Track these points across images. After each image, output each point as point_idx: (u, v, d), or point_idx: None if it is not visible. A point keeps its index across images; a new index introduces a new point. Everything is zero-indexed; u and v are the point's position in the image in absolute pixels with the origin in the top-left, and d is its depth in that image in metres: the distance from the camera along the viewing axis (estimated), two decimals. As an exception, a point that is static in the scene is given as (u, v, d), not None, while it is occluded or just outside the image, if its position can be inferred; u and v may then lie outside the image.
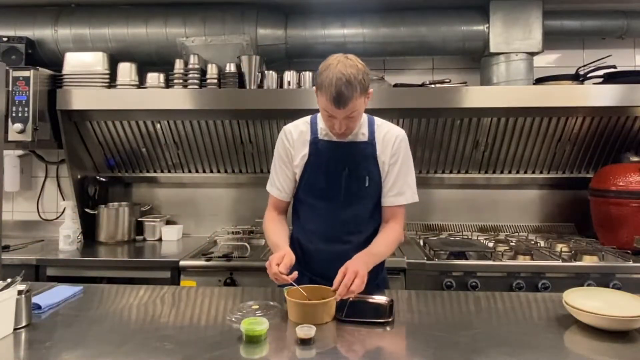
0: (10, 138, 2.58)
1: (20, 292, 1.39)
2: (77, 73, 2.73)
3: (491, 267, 2.31)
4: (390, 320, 1.44)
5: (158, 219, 3.00)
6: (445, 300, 1.72)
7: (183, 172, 3.09)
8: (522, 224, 3.07)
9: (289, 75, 2.70)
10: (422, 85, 2.74)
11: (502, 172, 2.98)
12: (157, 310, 1.59)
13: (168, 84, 2.74)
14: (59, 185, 3.21)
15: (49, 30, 2.81)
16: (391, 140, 1.74)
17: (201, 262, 2.41)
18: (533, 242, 2.73)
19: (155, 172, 3.10)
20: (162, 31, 2.79)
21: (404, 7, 2.81)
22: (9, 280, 1.39)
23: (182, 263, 2.40)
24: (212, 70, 2.71)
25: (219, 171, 3.07)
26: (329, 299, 1.44)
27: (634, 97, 2.52)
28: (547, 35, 2.71)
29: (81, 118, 2.79)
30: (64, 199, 3.13)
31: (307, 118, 1.81)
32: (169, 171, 3.09)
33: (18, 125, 2.56)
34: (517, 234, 3.00)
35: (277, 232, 1.74)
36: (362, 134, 1.73)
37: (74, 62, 2.76)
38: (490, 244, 2.65)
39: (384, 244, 1.71)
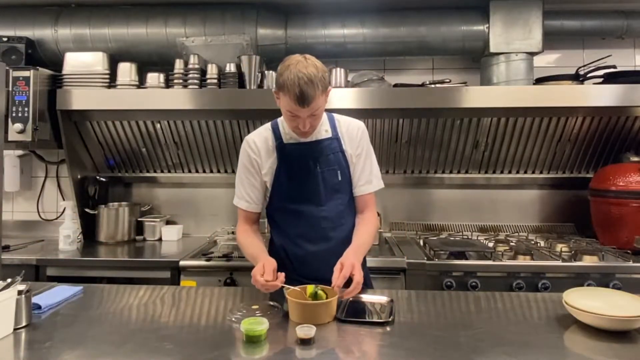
0: (10, 138, 2.58)
1: (20, 292, 1.39)
2: (77, 73, 2.73)
3: (491, 267, 2.31)
4: (390, 320, 1.44)
5: (158, 219, 3.00)
6: (446, 300, 1.72)
7: (183, 172, 3.09)
8: (522, 224, 3.07)
9: (289, 76, 2.69)
10: (422, 85, 2.74)
11: (502, 172, 2.98)
12: (157, 310, 1.59)
13: (168, 84, 2.74)
14: (59, 185, 3.21)
15: (49, 30, 2.81)
16: (354, 133, 1.79)
17: (201, 262, 2.41)
18: (533, 242, 2.73)
19: (155, 172, 3.10)
20: (162, 31, 2.79)
21: (404, 7, 2.82)
22: (9, 280, 1.39)
23: (182, 263, 2.40)
24: (212, 70, 2.71)
25: (219, 171, 3.07)
26: (329, 299, 1.44)
27: (634, 97, 2.52)
28: (547, 35, 2.71)
29: (81, 118, 2.79)
30: (64, 199, 3.14)
31: (267, 125, 1.83)
32: (169, 171, 3.09)
33: (18, 125, 2.56)
34: (517, 234, 3.00)
35: (252, 244, 1.76)
36: (326, 131, 1.77)
37: (74, 62, 2.76)
38: (490, 244, 2.65)
39: (366, 234, 1.76)
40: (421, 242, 2.75)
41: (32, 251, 2.67)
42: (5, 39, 2.75)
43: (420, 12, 2.80)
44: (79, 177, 2.91)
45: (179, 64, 2.74)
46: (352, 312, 1.50)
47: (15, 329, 1.37)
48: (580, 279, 2.26)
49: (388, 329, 1.41)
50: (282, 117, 1.77)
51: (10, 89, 2.57)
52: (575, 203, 3.00)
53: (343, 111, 2.55)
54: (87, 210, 2.89)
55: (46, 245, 2.83)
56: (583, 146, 2.82)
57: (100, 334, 1.37)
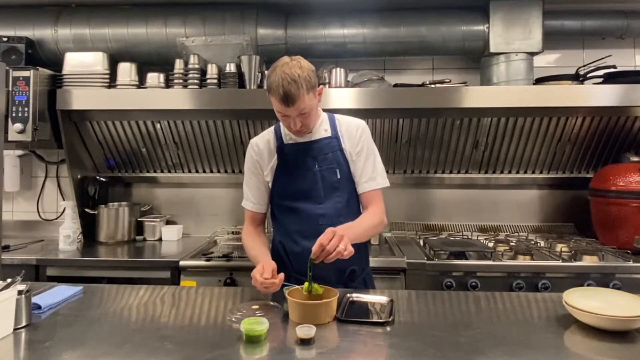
0: (10, 138, 2.58)
1: (20, 292, 1.39)
2: (77, 73, 2.73)
3: (491, 267, 2.31)
4: (390, 320, 1.44)
5: (158, 219, 3.00)
6: (445, 300, 1.72)
7: (183, 172, 3.09)
8: (522, 224, 3.07)
9: (289, 75, 2.69)
10: (422, 85, 2.74)
11: (502, 172, 2.98)
12: (157, 310, 1.59)
13: (168, 84, 2.74)
14: (59, 185, 3.21)
15: (49, 30, 2.81)
16: (353, 131, 1.81)
17: (201, 262, 2.41)
18: (533, 242, 2.73)
19: (155, 172, 3.10)
20: (162, 31, 2.79)
21: (404, 7, 2.81)
22: (9, 280, 1.39)
23: (182, 263, 2.40)
24: (212, 70, 2.71)
25: (219, 171, 3.07)
26: (330, 299, 1.44)
27: (634, 97, 2.52)
28: (547, 35, 2.71)
29: (81, 118, 2.79)
30: (64, 199, 3.14)
31: (271, 128, 1.89)
32: (169, 171, 3.09)
33: (18, 125, 2.56)
34: (517, 234, 3.00)
35: (255, 246, 1.79)
36: (325, 130, 1.81)
37: (74, 62, 2.76)
38: (490, 244, 2.65)
39: (364, 220, 1.76)
40: (421, 242, 2.75)
41: (32, 251, 2.67)
42: (5, 39, 2.75)
43: (420, 12, 2.80)
44: (79, 177, 2.91)
45: (179, 64, 2.74)
46: (352, 312, 1.50)
47: (15, 329, 1.37)
48: (580, 279, 2.26)
49: (388, 329, 1.41)
50: None
51: (10, 89, 2.57)
52: (575, 203, 3.00)
53: (343, 111, 2.55)
54: (87, 210, 2.89)
55: (46, 245, 2.83)
56: (583, 146, 2.82)
57: (100, 334, 1.37)
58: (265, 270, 1.53)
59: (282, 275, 1.55)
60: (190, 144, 2.91)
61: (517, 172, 2.98)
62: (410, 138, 2.82)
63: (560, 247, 2.47)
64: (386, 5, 2.80)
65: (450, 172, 3.01)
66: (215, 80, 2.71)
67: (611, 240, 2.54)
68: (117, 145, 2.94)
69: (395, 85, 2.76)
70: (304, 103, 1.61)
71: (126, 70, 2.74)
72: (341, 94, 2.60)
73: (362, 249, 1.84)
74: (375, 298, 1.63)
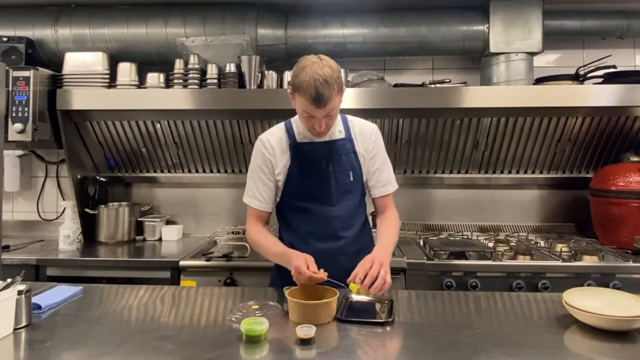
0: (10, 138, 2.58)
1: (20, 292, 1.39)
2: (77, 73, 2.73)
3: (491, 267, 2.31)
4: (390, 320, 1.44)
5: (158, 219, 3.00)
6: (445, 300, 1.72)
7: (183, 172, 3.09)
8: (522, 224, 3.07)
9: (289, 76, 2.69)
10: (422, 85, 2.74)
11: (502, 172, 2.98)
12: (157, 310, 1.59)
13: (168, 84, 2.74)
14: (59, 185, 3.21)
15: (49, 30, 2.81)
16: (367, 134, 1.81)
17: (201, 262, 2.41)
18: (533, 242, 2.72)
19: (155, 172, 3.10)
20: (162, 31, 2.79)
21: (404, 7, 2.81)
22: (9, 280, 1.39)
23: (182, 263, 2.40)
24: (212, 70, 2.71)
25: (219, 171, 3.07)
26: (330, 299, 1.44)
27: (634, 97, 2.52)
28: (547, 35, 2.71)
29: (81, 118, 2.79)
30: (64, 199, 3.14)
31: (281, 124, 1.84)
32: (169, 171, 3.09)
33: (18, 125, 2.56)
34: (517, 234, 3.00)
35: (274, 241, 1.76)
36: (339, 132, 1.79)
37: (74, 62, 2.76)
38: (490, 244, 2.65)
39: (391, 231, 1.78)
40: (421, 242, 2.75)
41: (32, 251, 2.67)
42: (5, 39, 2.74)
43: (420, 12, 2.80)
44: (79, 177, 2.91)
45: (179, 64, 2.74)
46: (352, 312, 1.50)
47: (15, 329, 1.37)
48: (580, 279, 2.26)
49: (388, 329, 1.41)
50: (295, 117, 1.79)
51: (10, 89, 2.57)
52: (575, 203, 3.00)
53: (343, 111, 2.55)
54: (87, 210, 2.89)
55: (46, 245, 2.83)
56: (583, 146, 2.82)
57: (100, 334, 1.37)
58: (309, 264, 1.51)
59: (323, 271, 1.52)
60: (190, 144, 2.91)
61: (517, 172, 2.98)
62: (410, 138, 2.82)
63: (560, 247, 2.47)
64: (386, 5, 2.80)
65: (450, 172, 3.01)
66: (215, 80, 2.71)
67: (611, 240, 2.54)
68: (117, 145, 2.94)
69: (395, 85, 2.76)
70: (334, 104, 1.59)
71: (126, 70, 2.74)
72: (341, 94, 2.60)
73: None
74: (375, 298, 1.62)
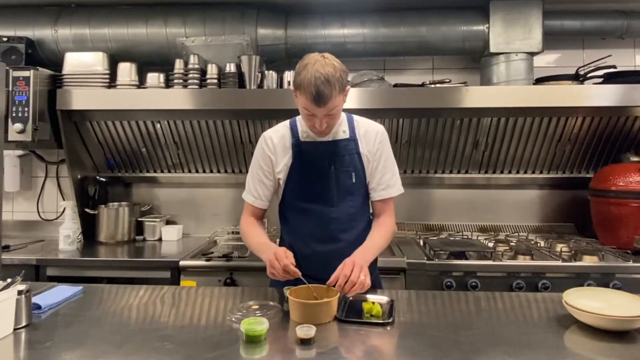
0: (10, 138, 2.58)
1: (20, 292, 1.39)
2: (77, 73, 2.73)
3: (491, 267, 2.31)
4: (390, 320, 1.44)
5: (158, 219, 3.00)
6: (445, 300, 1.72)
7: (183, 172, 3.09)
8: (522, 224, 3.07)
9: (289, 75, 2.69)
10: (422, 85, 2.74)
11: (502, 172, 2.98)
12: (157, 310, 1.59)
13: (168, 84, 2.74)
14: (59, 185, 3.21)
15: (49, 30, 2.81)
16: (372, 136, 1.78)
17: (201, 262, 2.41)
18: (533, 242, 2.72)
19: (155, 172, 3.10)
20: (162, 31, 2.79)
21: (404, 7, 2.81)
22: (9, 280, 1.39)
23: (182, 263, 2.40)
24: (212, 70, 2.71)
25: (219, 171, 3.07)
26: (330, 299, 1.44)
27: (634, 97, 2.52)
28: (547, 35, 2.71)
29: (81, 118, 2.79)
30: (64, 199, 3.14)
31: (286, 122, 1.82)
32: (169, 171, 3.09)
33: (18, 125, 2.56)
34: (517, 234, 2.99)
35: (260, 233, 1.76)
36: (343, 132, 1.77)
37: (74, 62, 2.76)
38: (490, 244, 2.65)
39: (378, 236, 1.75)
40: (421, 242, 2.75)
41: (32, 251, 2.67)
42: (5, 39, 2.74)
43: (420, 12, 2.80)
44: (79, 177, 2.91)
45: (179, 64, 2.74)
46: (352, 312, 1.50)
47: (15, 329, 1.37)
48: (580, 279, 2.26)
49: (388, 329, 1.41)
50: (300, 115, 1.77)
51: (10, 89, 2.57)
52: (575, 203, 3.00)
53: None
54: (87, 210, 2.89)
55: (46, 245, 2.83)
56: (583, 146, 2.82)
57: (100, 334, 1.37)
58: (287, 256, 1.51)
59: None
60: (190, 144, 2.91)
61: (517, 172, 2.98)
62: (410, 138, 2.82)
63: (560, 247, 2.47)
64: (386, 5, 2.80)
65: (450, 172, 3.01)
66: (215, 80, 2.71)
67: (611, 240, 2.54)
68: (117, 145, 2.94)
69: (395, 85, 2.76)
70: (334, 104, 1.57)
71: (126, 70, 2.74)
72: (341, 94, 2.60)
73: None
74: (375, 298, 1.62)
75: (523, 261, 2.34)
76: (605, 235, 2.62)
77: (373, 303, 1.51)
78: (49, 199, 3.23)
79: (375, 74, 2.77)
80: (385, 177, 1.78)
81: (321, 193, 1.74)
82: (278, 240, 1.93)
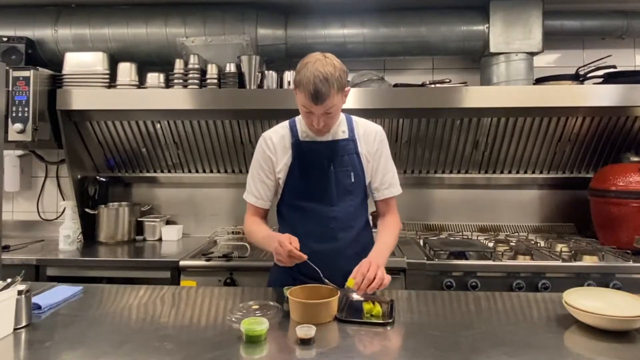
0: (10, 138, 2.58)
1: (20, 292, 1.39)
2: (77, 73, 2.73)
3: (491, 267, 2.31)
4: (390, 320, 1.44)
5: (158, 219, 3.00)
6: (445, 300, 1.72)
7: (183, 172, 3.09)
8: (522, 224, 3.07)
9: (289, 75, 2.70)
10: (422, 85, 2.74)
11: (502, 172, 2.98)
12: (157, 310, 1.59)
13: (168, 84, 2.74)
14: (59, 185, 3.21)
15: (49, 30, 2.81)
16: (371, 136, 1.80)
17: (201, 262, 2.41)
18: (533, 242, 2.72)
19: (155, 172, 3.10)
20: (162, 31, 2.79)
21: (404, 7, 2.81)
22: (9, 280, 1.39)
23: (182, 263, 2.40)
24: (212, 70, 2.71)
25: (219, 171, 3.07)
26: (330, 299, 1.44)
27: (634, 97, 2.52)
28: (547, 35, 2.71)
29: (81, 118, 2.79)
30: (64, 199, 3.14)
31: (286, 122, 1.84)
32: (169, 171, 3.09)
33: (18, 125, 2.56)
34: (517, 234, 3.00)
35: (265, 229, 1.78)
36: (343, 132, 1.78)
37: (74, 62, 2.76)
38: (490, 244, 2.65)
39: (390, 236, 1.78)
40: (421, 242, 2.75)
41: (32, 251, 2.67)
42: (5, 39, 2.74)
43: (420, 12, 2.80)
44: (79, 177, 2.91)
45: (179, 64, 2.74)
46: (352, 312, 1.50)
47: (15, 329, 1.37)
48: (580, 279, 2.26)
49: (388, 328, 1.41)
50: (300, 115, 1.78)
51: (10, 89, 2.57)
52: (575, 203, 3.00)
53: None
54: (87, 210, 2.89)
55: (46, 245, 2.83)
56: (583, 146, 2.82)
57: (100, 334, 1.37)
58: (292, 241, 1.52)
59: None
60: (190, 144, 2.91)
61: (517, 172, 2.98)
62: (410, 138, 2.82)
63: (560, 247, 2.47)
64: (386, 5, 2.80)
65: (450, 172, 3.01)
66: (215, 80, 2.71)
67: (611, 240, 2.54)
68: (117, 145, 2.94)
69: (395, 85, 2.76)
70: (332, 102, 1.59)
71: (126, 70, 2.74)
72: (341, 94, 2.60)
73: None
74: (375, 298, 1.62)
75: (523, 261, 2.34)
76: (605, 235, 2.62)
77: (373, 303, 1.51)
78: (49, 199, 3.23)
79: (375, 74, 2.77)
80: (387, 177, 1.81)
81: (320, 192, 1.75)
82: None
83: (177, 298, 1.72)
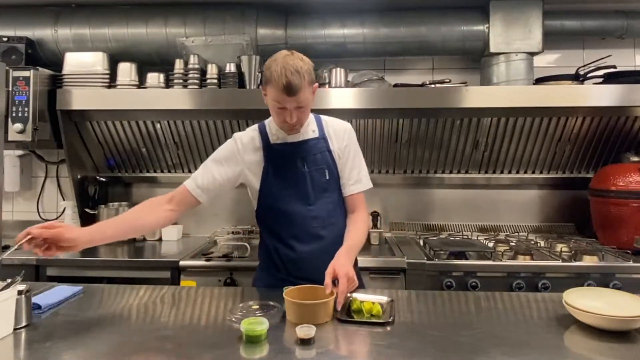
0: (10, 138, 2.58)
1: (20, 292, 1.39)
2: (77, 73, 2.74)
3: (491, 267, 2.31)
4: (390, 320, 1.44)
5: (158, 219, 2.99)
6: (445, 300, 1.72)
7: (183, 172, 3.09)
8: (522, 224, 3.07)
9: (289, 75, 2.69)
10: (422, 85, 2.74)
11: (502, 172, 2.98)
12: (157, 310, 1.59)
13: (168, 84, 2.74)
14: (59, 185, 3.21)
15: (49, 30, 2.81)
16: (340, 133, 1.82)
17: (201, 262, 2.41)
18: (533, 242, 2.73)
19: (155, 172, 3.10)
20: (162, 31, 2.79)
21: (404, 7, 2.82)
22: (9, 280, 1.39)
23: (182, 263, 2.40)
24: (212, 70, 2.72)
25: (219, 171, 3.07)
26: (327, 299, 1.44)
27: (634, 97, 2.52)
28: (547, 35, 2.71)
29: (81, 118, 2.79)
30: (64, 199, 3.14)
31: (255, 126, 1.84)
32: (169, 171, 3.09)
33: (18, 125, 2.56)
34: (517, 234, 3.00)
35: (125, 217, 1.70)
36: (313, 131, 1.79)
37: (74, 62, 2.76)
38: (490, 244, 2.65)
39: (358, 234, 1.77)
40: (421, 242, 2.75)
41: (32, 251, 2.66)
42: (5, 39, 2.75)
43: (420, 12, 2.80)
44: (79, 177, 2.91)
45: (179, 64, 2.74)
46: (352, 312, 1.50)
47: (15, 329, 1.37)
48: (580, 279, 2.26)
49: (388, 329, 1.41)
50: (269, 119, 1.79)
51: (10, 89, 2.57)
52: (575, 203, 3.00)
53: (343, 111, 2.56)
54: (87, 210, 2.89)
55: (46, 245, 2.82)
56: (583, 146, 2.82)
57: (100, 334, 1.37)
58: (41, 227, 1.46)
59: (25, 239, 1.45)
60: (190, 144, 2.91)
61: (517, 172, 2.98)
62: (410, 138, 2.82)
63: (560, 247, 2.47)
64: (386, 5, 2.80)
65: (450, 172, 3.01)
66: (215, 80, 2.71)
67: (611, 240, 2.54)
68: (117, 145, 2.94)
69: (395, 85, 2.76)
70: (304, 95, 1.59)
71: (126, 70, 2.74)
72: (341, 94, 2.60)
73: None
74: (375, 298, 1.62)
75: (523, 261, 2.34)
76: (605, 235, 2.62)
77: (373, 303, 1.51)
78: (49, 199, 3.23)
79: (375, 74, 2.77)
80: (353, 172, 1.81)
81: (298, 193, 1.75)
82: (258, 242, 1.92)
83: (177, 298, 1.72)
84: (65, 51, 2.80)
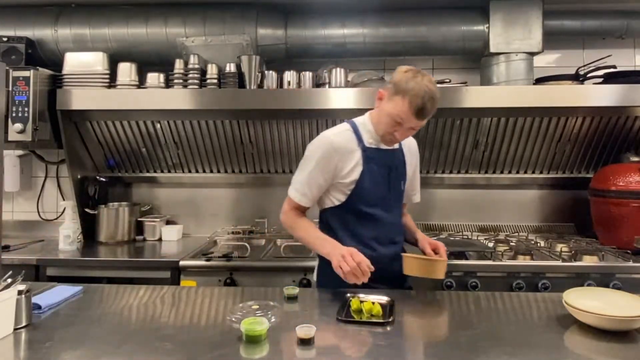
0: (10, 138, 2.58)
1: (20, 292, 1.39)
2: (77, 73, 2.73)
3: (491, 267, 2.31)
4: (390, 320, 1.44)
5: (158, 219, 3.00)
6: (445, 300, 1.72)
7: (183, 172, 3.09)
8: (522, 224, 3.07)
9: (289, 75, 2.69)
10: (422, 85, 2.73)
11: (502, 172, 2.98)
12: (157, 310, 1.59)
13: (168, 84, 2.74)
14: (59, 185, 3.21)
15: (49, 30, 2.81)
16: (413, 147, 1.96)
17: (201, 262, 2.41)
18: (533, 242, 2.72)
19: (155, 172, 3.10)
20: (162, 31, 2.79)
21: (404, 7, 2.81)
22: (9, 280, 1.39)
23: (182, 263, 2.40)
24: (212, 70, 2.71)
25: (219, 171, 3.07)
26: (444, 259, 1.72)
27: (634, 97, 2.52)
28: (547, 35, 2.71)
29: (81, 118, 2.79)
30: (64, 199, 3.14)
31: (346, 125, 1.82)
32: (169, 171, 3.09)
33: (18, 125, 2.56)
34: (517, 234, 3.00)
35: (316, 228, 1.83)
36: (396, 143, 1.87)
37: (74, 62, 2.76)
38: (490, 244, 2.65)
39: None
40: (421, 242, 2.74)
41: (32, 251, 2.67)
42: (5, 39, 2.74)
43: (420, 12, 2.80)
44: (79, 177, 2.90)
45: (179, 64, 2.74)
46: (352, 312, 1.50)
47: (15, 329, 1.37)
48: (580, 279, 2.26)
49: (388, 329, 1.41)
50: (360, 119, 1.82)
51: (10, 89, 2.57)
52: (575, 203, 3.00)
53: (343, 111, 2.56)
54: (87, 210, 2.89)
55: (46, 245, 2.83)
56: (583, 146, 2.82)
57: (100, 334, 1.37)
58: (363, 260, 1.57)
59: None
60: (190, 144, 2.91)
61: (517, 172, 2.98)
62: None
63: (560, 247, 2.47)
64: (386, 5, 2.80)
65: (450, 172, 3.01)
66: (215, 80, 2.71)
67: (611, 240, 2.54)
68: (117, 145, 2.94)
69: (395, 85, 2.75)
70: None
71: (126, 70, 2.74)
72: (341, 94, 2.60)
73: None
74: (375, 298, 1.62)
75: (523, 261, 2.34)
76: (605, 235, 2.62)
77: (373, 303, 1.51)
78: (49, 199, 3.23)
79: (375, 74, 2.77)
80: (415, 184, 2.02)
81: (382, 199, 1.82)
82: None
83: (177, 298, 1.72)
84: (65, 51, 2.80)
